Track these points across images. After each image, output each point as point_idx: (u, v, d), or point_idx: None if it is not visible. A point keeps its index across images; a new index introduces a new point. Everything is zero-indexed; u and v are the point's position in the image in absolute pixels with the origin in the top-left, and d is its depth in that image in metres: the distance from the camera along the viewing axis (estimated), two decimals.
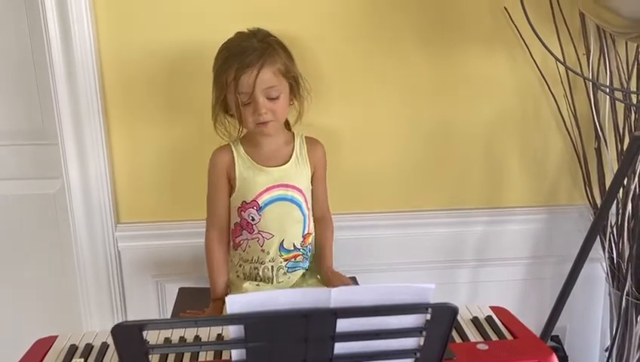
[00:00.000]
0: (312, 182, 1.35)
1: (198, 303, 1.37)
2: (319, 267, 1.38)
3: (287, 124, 1.36)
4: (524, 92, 1.61)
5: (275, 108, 1.24)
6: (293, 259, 1.34)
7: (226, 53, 1.24)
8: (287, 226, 1.31)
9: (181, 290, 1.51)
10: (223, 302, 1.30)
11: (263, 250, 1.32)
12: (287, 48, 1.28)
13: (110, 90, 1.49)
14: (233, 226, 1.34)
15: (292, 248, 1.33)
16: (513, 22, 1.51)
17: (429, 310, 0.80)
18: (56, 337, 1.05)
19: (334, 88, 1.52)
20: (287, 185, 1.30)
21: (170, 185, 1.57)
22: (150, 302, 1.65)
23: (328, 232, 1.40)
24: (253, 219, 1.30)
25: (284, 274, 1.34)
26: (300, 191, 1.31)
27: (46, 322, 1.72)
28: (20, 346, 1.04)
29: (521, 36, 1.52)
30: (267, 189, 1.29)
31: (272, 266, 1.33)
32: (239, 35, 1.26)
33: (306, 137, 1.35)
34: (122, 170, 1.55)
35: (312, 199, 1.37)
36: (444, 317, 0.80)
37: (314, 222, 1.38)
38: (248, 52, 1.20)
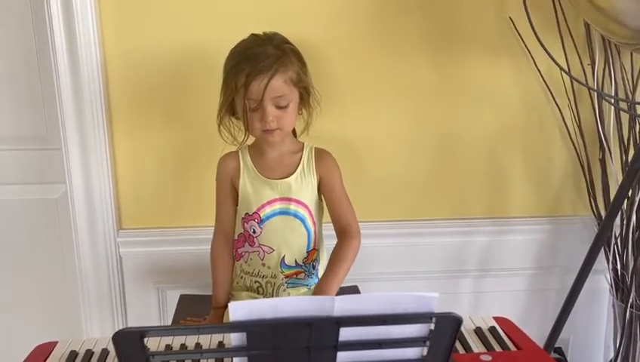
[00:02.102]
0: (321, 192, 1.29)
1: (199, 310, 1.36)
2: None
3: (295, 133, 1.33)
4: (528, 102, 1.61)
5: (282, 117, 1.20)
6: (294, 276, 1.31)
7: (238, 56, 1.21)
8: (289, 241, 1.28)
9: (182, 297, 1.50)
10: (224, 311, 1.29)
11: (263, 264, 1.30)
12: (302, 57, 1.25)
13: (114, 96, 1.50)
14: (237, 237, 1.32)
15: (294, 264, 1.30)
16: (518, 31, 1.51)
17: (433, 320, 0.79)
18: (56, 343, 1.05)
19: (337, 97, 1.52)
20: (289, 199, 1.26)
21: (172, 191, 1.57)
22: (151, 309, 1.64)
23: (343, 248, 1.23)
24: (254, 232, 1.28)
25: (284, 290, 1.31)
26: (304, 205, 1.28)
27: (46, 327, 1.72)
28: (19, 351, 1.04)
29: (525, 46, 1.52)
30: (269, 202, 1.27)
31: (274, 282, 1.30)
32: (254, 38, 1.23)
33: (315, 148, 1.31)
34: (125, 176, 1.55)
35: (330, 212, 1.29)
36: (448, 327, 0.80)
37: (336, 236, 1.28)
38: (262, 58, 1.17)
